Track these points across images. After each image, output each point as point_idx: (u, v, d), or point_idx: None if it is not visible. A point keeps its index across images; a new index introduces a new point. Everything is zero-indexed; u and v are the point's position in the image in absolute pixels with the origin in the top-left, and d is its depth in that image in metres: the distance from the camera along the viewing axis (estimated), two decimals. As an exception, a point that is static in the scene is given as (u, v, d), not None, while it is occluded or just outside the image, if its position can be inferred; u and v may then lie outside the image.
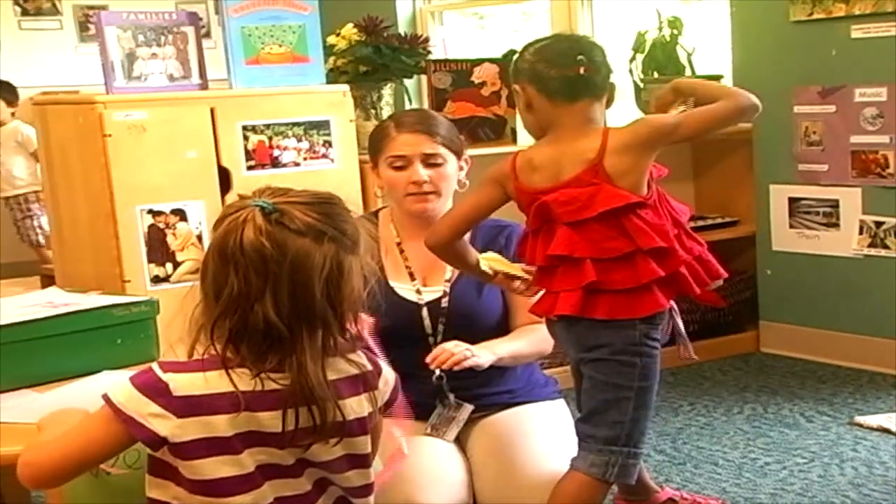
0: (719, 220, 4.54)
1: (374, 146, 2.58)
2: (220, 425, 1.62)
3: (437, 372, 2.43)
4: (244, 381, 1.64)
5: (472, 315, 2.52)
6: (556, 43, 2.40)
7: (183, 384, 1.61)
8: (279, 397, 1.65)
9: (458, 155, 2.57)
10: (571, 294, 2.27)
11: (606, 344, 2.29)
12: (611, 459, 2.30)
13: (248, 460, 1.64)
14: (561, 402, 2.59)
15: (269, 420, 1.65)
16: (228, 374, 1.63)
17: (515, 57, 2.42)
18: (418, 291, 2.52)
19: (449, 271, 2.53)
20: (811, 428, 3.52)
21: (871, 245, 4.10)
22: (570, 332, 2.35)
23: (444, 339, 2.45)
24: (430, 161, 2.50)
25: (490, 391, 2.51)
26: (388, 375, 1.79)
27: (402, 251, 2.56)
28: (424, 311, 2.49)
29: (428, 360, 2.36)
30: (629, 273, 2.24)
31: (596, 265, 2.25)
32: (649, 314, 2.27)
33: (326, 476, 1.72)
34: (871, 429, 3.46)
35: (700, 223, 4.50)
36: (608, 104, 2.38)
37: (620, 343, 2.28)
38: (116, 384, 1.65)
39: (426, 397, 2.42)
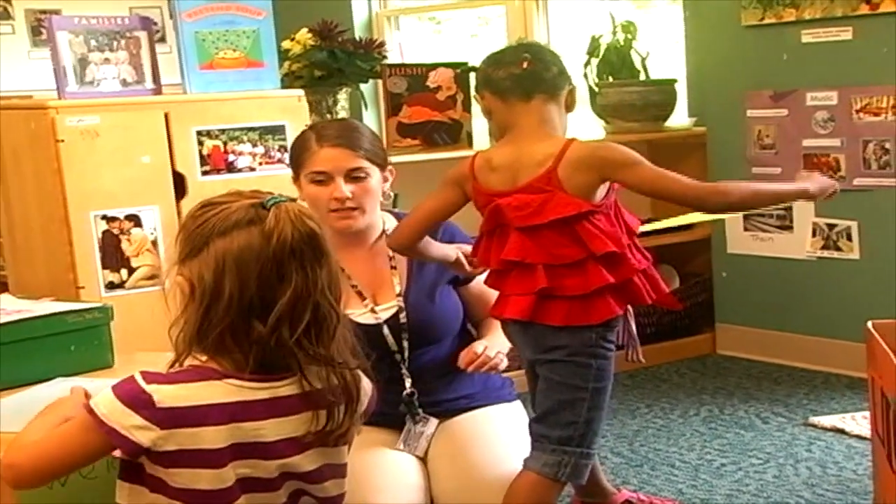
0: (675, 224, 4.57)
1: (295, 159, 2.51)
2: (207, 437, 1.60)
3: (408, 387, 2.45)
4: (233, 391, 1.63)
5: (431, 323, 2.51)
6: (505, 48, 2.48)
7: (167, 395, 1.60)
8: (282, 404, 1.65)
9: (382, 167, 2.52)
10: (523, 299, 2.30)
11: (562, 346, 2.31)
12: (563, 459, 2.32)
13: (229, 473, 1.63)
14: (518, 404, 2.60)
15: (263, 429, 1.64)
16: (219, 384, 1.62)
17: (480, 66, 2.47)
18: (373, 311, 2.47)
19: (398, 285, 2.50)
20: (766, 429, 3.55)
21: (824, 247, 4.14)
22: (527, 335, 2.37)
23: (411, 353, 2.46)
24: (353, 175, 2.44)
25: (450, 397, 2.52)
26: (367, 386, 1.79)
27: (342, 270, 2.52)
28: (385, 330, 2.46)
29: (463, 364, 2.39)
30: (580, 280, 2.27)
31: (548, 271, 2.28)
32: (602, 321, 2.29)
33: (303, 487, 1.72)
34: (826, 429, 3.50)
35: (656, 225, 4.52)
36: (568, 108, 2.41)
37: (576, 345, 2.31)
38: (99, 393, 1.64)
39: (393, 409, 2.42)
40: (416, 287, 2.50)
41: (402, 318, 2.47)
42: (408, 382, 2.47)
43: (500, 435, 2.46)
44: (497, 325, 2.50)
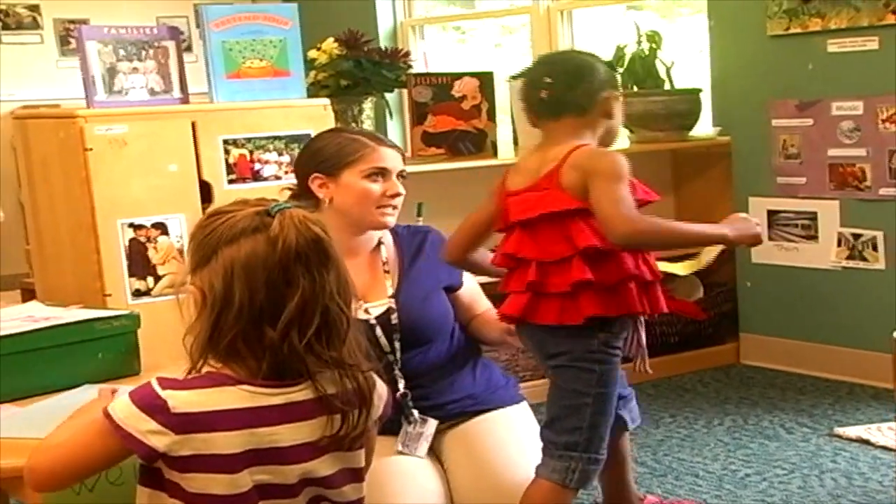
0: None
1: (340, 157, 2.53)
2: (219, 442, 1.62)
3: (401, 388, 2.48)
4: (247, 397, 1.65)
5: (422, 323, 2.55)
6: (534, 67, 2.51)
7: (182, 401, 1.62)
8: (297, 409, 1.66)
9: None
10: (518, 296, 2.36)
11: (566, 351, 2.33)
12: (570, 465, 2.33)
13: (244, 479, 1.64)
14: (525, 406, 2.62)
15: (278, 435, 1.66)
16: (233, 390, 1.64)
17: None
18: (366, 311, 2.51)
19: (390, 287, 2.55)
20: (791, 439, 3.54)
21: (849, 257, 4.12)
22: (534, 339, 2.40)
23: (403, 353, 2.50)
24: (401, 176, 2.57)
25: (451, 399, 2.54)
26: (381, 390, 1.80)
27: None
28: (378, 331, 2.49)
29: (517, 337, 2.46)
30: (564, 276, 2.29)
31: (539, 268, 2.31)
32: (585, 318, 2.28)
33: (322, 493, 1.73)
34: (851, 440, 3.48)
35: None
36: (607, 115, 2.43)
37: (579, 350, 2.32)
38: (117, 398, 1.66)
39: (393, 413, 2.43)
40: (407, 289, 2.55)
41: (394, 318, 2.51)
42: (401, 384, 2.49)
43: (516, 439, 2.49)
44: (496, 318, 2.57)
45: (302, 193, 2.57)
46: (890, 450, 3.27)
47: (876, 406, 3.78)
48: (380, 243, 2.61)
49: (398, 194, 2.54)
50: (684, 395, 4.09)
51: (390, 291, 2.54)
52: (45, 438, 1.71)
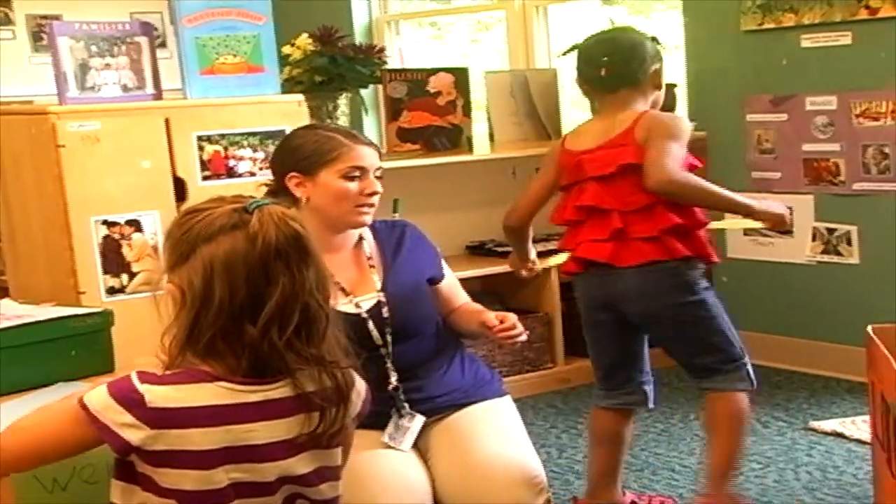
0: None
1: (317, 156, 2.52)
2: (194, 439, 1.62)
3: (394, 381, 2.48)
4: (224, 394, 1.64)
5: (413, 316, 2.56)
6: (592, 42, 2.78)
7: (159, 396, 1.61)
8: (274, 407, 1.66)
9: None
10: (601, 244, 2.62)
11: (661, 285, 2.61)
12: (743, 371, 2.69)
13: (219, 476, 1.64)
14: (508, 399, 2.63)
15: (254, 432, 1.65)
16: (209, 386, 1.63)
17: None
18: (357, 305, 2.51)
19: (378, 281, 2.55)
20: (767, 433, 3.55)
21: (824, 252, 4.15)
22: (615, 284, 2.64)
23: (395, 346, 2.50)
24: (377, 174, 2.55)
25: (442, 392, 2.54)
26: (360, 387, 1.80)
27: None
28: (370, 324, 2.49)
29: (496, 328, 2.50)
30: (650, 223, 2.58)
31: (622, 217, 2.59)
32: (675, 258, 2.60)
33: (299, 490, 1.72)
34: (826, 433, 3.50)
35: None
36: (656, 87, 2.73)
37: (682, 284, 2.63)
38: (93, 389, 1.65)
39: (379, 407, 2.43)
40: (394, 282, 2.56)
41: (385, 312, 2.51)
42: (393, 377, 2.49)
43: (500, 431, 2.49)
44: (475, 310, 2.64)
45: (279, 190, 2.56)
46: (864, 443, 3.28)
47: (850, 400, 3.80)
48: (361, 238, 2.61)
49: (376, 192, 2.53)
50: (661, 389, 4.07)
51: (378, 285, 2.54)
52: (17, 421, 1.70)
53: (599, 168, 2.61)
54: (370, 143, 2.57)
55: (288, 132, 2.78)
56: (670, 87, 4.46)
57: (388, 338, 2.50)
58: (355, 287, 2.54)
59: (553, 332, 4.16)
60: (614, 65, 2.68)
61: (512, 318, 2.52)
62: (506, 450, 2.43)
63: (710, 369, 2.69)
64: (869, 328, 2.62)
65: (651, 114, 2.67)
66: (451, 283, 2.71)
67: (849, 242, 4.08)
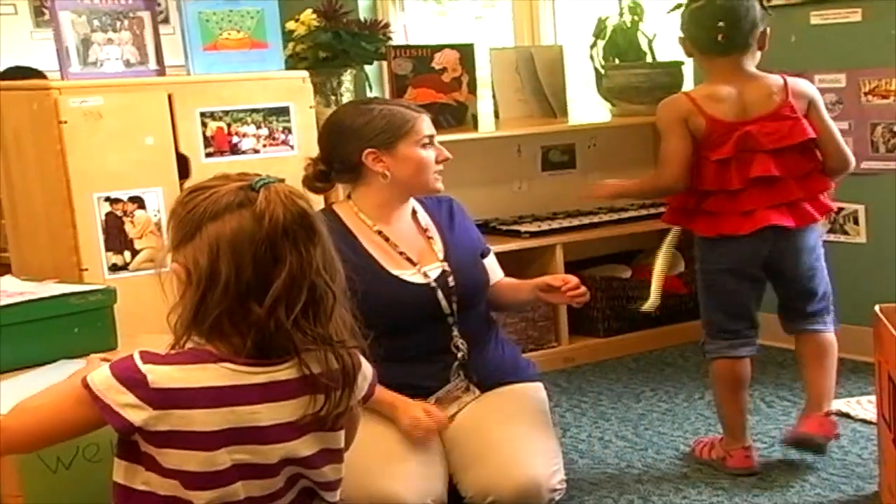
0: (680, 207, 4.55)
1: (392, 129, 2.58)
2: (198, 419, 1.61)
3: (462, 348, 2.56)
4: (228, 374, 1.63)
5: (475, 285, 2.65)
6: (702, 8, 2.88)
7: (162, 376, 1.60)
8: (279, 388, 1.64)
9: None
10: (782, 208, 2.85)
11: (809, 242, 2.97)
12: (832, 314, 3.11)
13: (222, 457, 1.63)
14: (540, 386, 2.64)
15: (258, 413, 1.64)
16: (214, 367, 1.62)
17: (682, 10, 3.00)
18: (425, 275, 2.57)
19: (439, 251, 2.61)
20: (771, 413, 3.54)
21: (830, 231, 4.12)
22: (788, 243, 2.92)
23: (460, 314, 2.57)
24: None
25: (489, 368, 2.58)
26: (367, 370, 1.79)
27: (386, 239, 2.58)
28: (439, 293, 2.55)
29: (565, 288, 2.58)
30: (810, 187, 2.89)
31: (796, 183, 2.86)
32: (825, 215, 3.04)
33: (301, 472, 1.72)
34: (831, 413, 3.48)
35: (661, 210, 4.50)
36: (760, 47, 2.91)
37: (815, 238, 2.99)
38: (98, 368, 1.65)
39: (437, 381, 2.48)
40: (455, 252, 2.64)
41: (451, 281, 2.58)
42: (462, 345, 2.56)
43: (525, 414, 2.52)
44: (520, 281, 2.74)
45: (344, 170, 2.60)
46: (869, 423, 3.27)
47: (855, 379, 3.78)
48: (414, 211, 2.68)
49: (447, 158, 2.64)
50: (665, 369, 4.09)
51: (441, 255, 2.62)
52: (23, 401, 1.69)
53: (777, 141, 2.83)
54: (425, 112, 2.66)
55: (334, 113, 2.80)
56: (675, 65, 4.45)
57: (454, 306, 2.56)
58: (419, 257, 2.60)
59: (557, 312, 4.14)
60: (730, 29, 2.83)
61: (573, 279, 2.58)
62: (522, 448, 2.47)
63: (817, 312, 3.07)
64: (876, 308, 2.60)
65: (795, 82, 2.90)
66: (493, 258, 2.79)
67: (856, 222, 4.05)
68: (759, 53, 2.92)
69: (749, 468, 3.01)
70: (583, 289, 2.60)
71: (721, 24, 2.83)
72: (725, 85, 2.88)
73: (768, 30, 2.91)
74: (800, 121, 2.86)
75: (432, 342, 2.47)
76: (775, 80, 2.88)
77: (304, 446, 1.69)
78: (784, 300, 3.12)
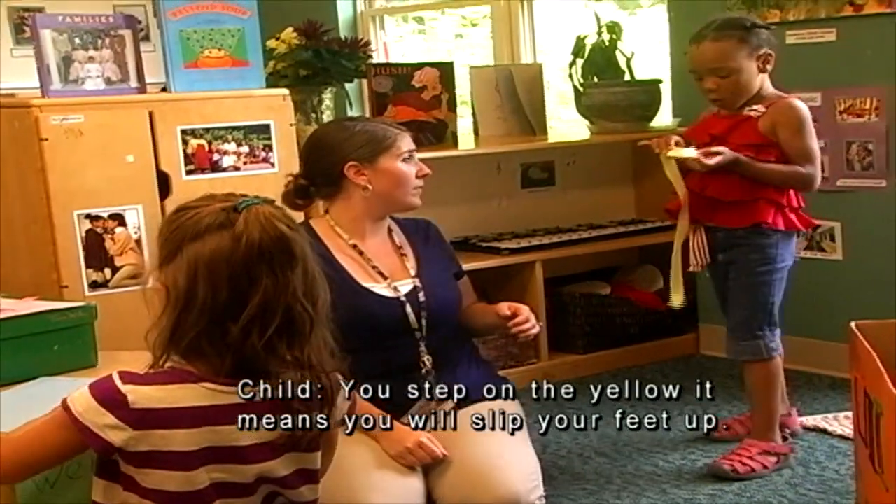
0: (659, 224, 4.56)
1: (374, 143, 2.61)
2: (178, 439, 1.61)
3: (428, 365, 2.55)
4: (207, 395, 1.63)
5: (446, 303, 2.64)
6: (708, 29, 3.15)
7: (142, 396, 1.60)
8: (257, 408, 1.64)
9: None
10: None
11: None
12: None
13: (200, 477, 1.63)
14: (517, 404, 2.63)
15: (237, 433, 1.64)
16: (193, 387, 1.62)
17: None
18: (395, 289, 2.58)
19: (411, 268, 2.63)
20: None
21: (807, 248, 4.15)
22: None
23: (429, 331, 2.57)
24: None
25: (460, 385, 2.56)
26: (346, 391, 1.79)
27: (360, 253, 2.59)
28: (408, 308, 2.56)
29: (511, 323, 2.55)
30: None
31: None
32: None
33: (278, 490, 1.72)
34: (808, 429, 3.50)
35: (640, 227, 4.54)
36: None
37: None
38: (75, 391, 1.64)
39: (407, 395, 2.48)
40: (427, 270, 2.65)
41: (422, 297, 2.59)
42: (428, 361, 2.56)
43: (500, 438, 2.48)
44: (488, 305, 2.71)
45: (325, 183, 2.63)
46: (847, 439, 3.29)
47: (833, 395, 3.81)
48: (390, 229, 2.70)
49: (427, 173, 2.67)
50: (644, 385, 4.09)
51: (412, 271, 2.63)
52: (11, 431, 1.69)
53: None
54: (407, 130, 2.68)
55: (317, 130, 2.85)
56: (654, 83, 4.48)
57: (424, 322, 2.56)
58: (391, 271, 2.61)
59: (537, 328, 4.16)
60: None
61: (525, 310, 2.57)
62: (500, 462, 2.44)
63: None
64: (852, 324, 2.62)
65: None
66: (466, 281, 2.80)
67: (832, 239, 4.09)
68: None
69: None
70: (530, 323, 2.56)
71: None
72: None
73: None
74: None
75: (399, 357, 2.47)
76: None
77: (281, 466, 1.69)
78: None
